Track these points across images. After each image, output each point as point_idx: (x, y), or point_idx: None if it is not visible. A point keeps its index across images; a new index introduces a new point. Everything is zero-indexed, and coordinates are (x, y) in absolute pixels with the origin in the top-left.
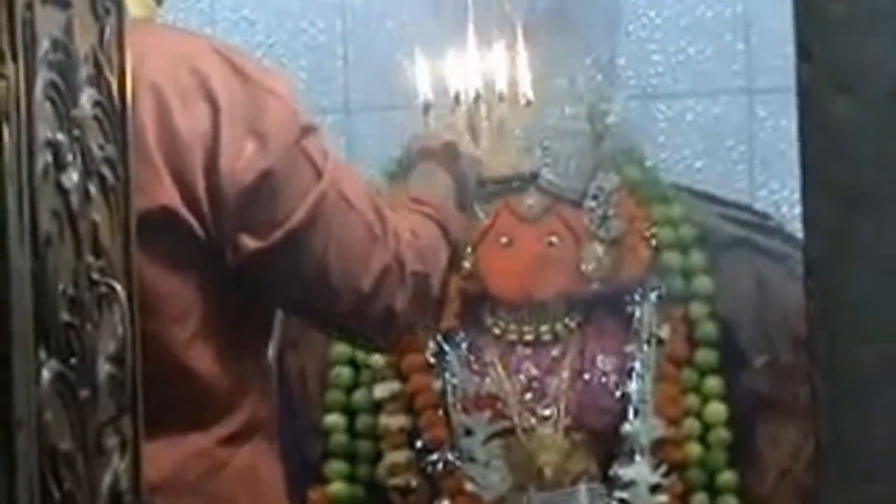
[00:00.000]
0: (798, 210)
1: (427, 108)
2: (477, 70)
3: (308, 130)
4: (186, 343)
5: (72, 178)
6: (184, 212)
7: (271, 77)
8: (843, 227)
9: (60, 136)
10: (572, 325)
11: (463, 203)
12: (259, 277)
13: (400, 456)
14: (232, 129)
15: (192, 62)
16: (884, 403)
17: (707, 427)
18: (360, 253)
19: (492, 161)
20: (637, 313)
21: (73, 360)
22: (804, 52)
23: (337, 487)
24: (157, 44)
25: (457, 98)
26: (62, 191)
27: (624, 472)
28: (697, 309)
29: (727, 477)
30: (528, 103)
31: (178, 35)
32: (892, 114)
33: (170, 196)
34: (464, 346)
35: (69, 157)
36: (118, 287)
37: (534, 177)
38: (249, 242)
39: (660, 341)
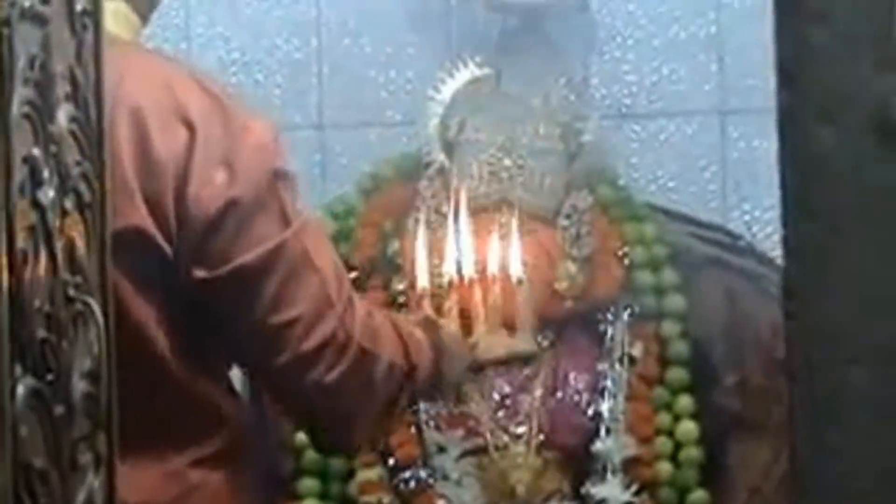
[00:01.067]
0: (770, 230)
1: (422, 295)
2: (469, 253)
3: (283, 176)
4: (162, 364)
5: (48, 194)
6: (154, 233)
7: (253, 117)
8: (824, 251)
9: (37, 153)
10: (545, 343)
11: (438, 369)
12: (208, 309)
13: (372, 473)
14: (205, 156)
15: (173, 89)
16: (864, 426)
17: (678, 446)
18: (311, 312)
19: (489, 343)
20: (609, 332)
21: (48, 377)
22: (785, 77)
23: None
24: (139, 67)
25: (450, 283)
26: (38, 207)
27: (596, 490)
28: (669, 328)
29: (698, 495)
30: (520, 282)
31: (161, 61)
32: (873, 140)
33: (142, 217)
34: None
35: (46, 174)
36: (94, 304)
37: (530, 357)
38: (199, 271)
39: (632, 360)
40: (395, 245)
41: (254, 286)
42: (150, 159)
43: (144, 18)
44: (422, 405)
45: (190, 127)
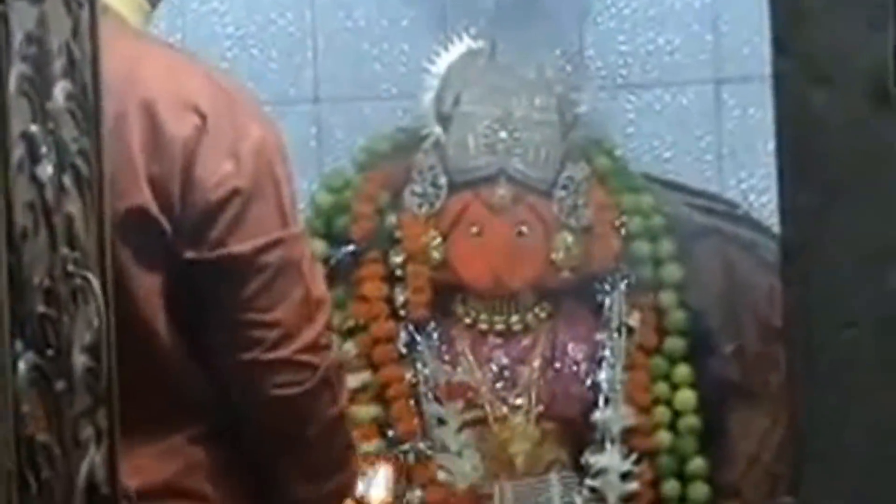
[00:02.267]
0: (765, 198)
1: None
2: None
3: (287, 178)
4: (162, 340)
5: (46, 170)
6: (157, 213)
7: (262, 115)
8: (820, 215)
9: (35, 129)
10: (543, 314)
11: None
12: (194, 291)
13: (372, 446)
14: (213, 144)
15: (185, 80)
16: (862, 389)
17: (677, 414)
18: (292, 321)
19: None
20: (607, 302)
21: (49, 352)
22: (779, 43)
23: None
24: (153, 56)
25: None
26: (37, 183)
27: (595, 459)
28: (667, 297)
29: (697, 464)
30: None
31: (175, 53)
32: (868, 104)
33: (145, 198)
34: (435, 335)
35: (44, 150)
36: (93, 279)
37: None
38: (189, 252)
39: (630, 330)
40: (392, 218)
41: (240, 277)
42: (159, 142)
43: (154, 3)
44: (421, 376)
45: (200, 115)
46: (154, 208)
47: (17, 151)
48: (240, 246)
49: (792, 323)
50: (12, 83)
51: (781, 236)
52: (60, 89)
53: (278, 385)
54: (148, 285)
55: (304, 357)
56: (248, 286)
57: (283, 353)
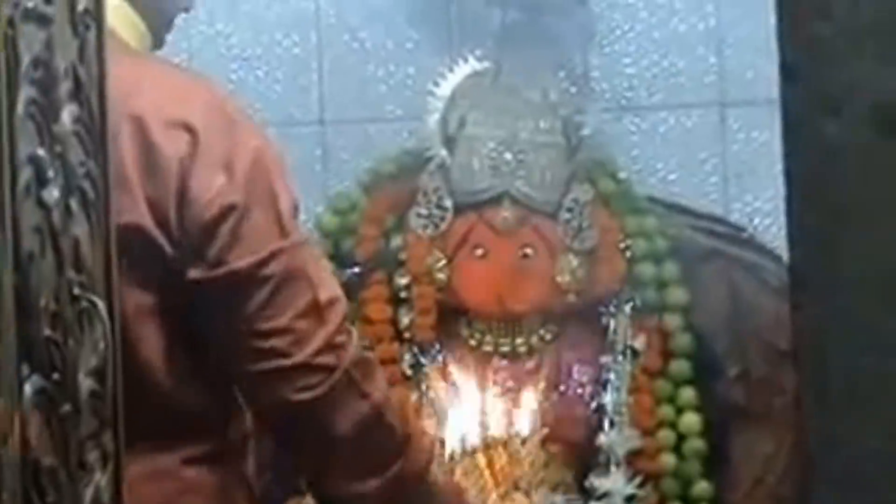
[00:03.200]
0: (770, 221)
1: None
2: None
3: (285, 189)
4: (153, 361)
5: (53, 193)
6: (156, 232)
7: (259, 131)
8: (830, 242)
9: (41, 152)
10: (547, 336)
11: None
12: (197, 311)
13: None
14: (206, 160)
15: (178, 97)
16: (873, 416)
17: (682, 438)
18: (301, 327)
19: None
20: (612, 325)
21: (54, 376)
22: (788, 72)
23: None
24: (150, 77)
25: (451, 456)
26: (44, 206)
27: (599, 483)
28: (671, 320)
29: (702, 487)
30: (524, 441)
31: (171, 70)
32: (876, 132)
33: (142, 215)
34: (439, 358)
35: (50, 173)
36: (99, 302)
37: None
38: (194, 272)
39: (634, 353)
40: (397, 240)
41: (244, 291)
42: (153, 160)
43: (153, 24)
44: (425, 399)
45: (192, 132)
46: (152, 227)
47: (24, 175)
48: (240, 262)
49: (802, 348)
50: (20, 106)
51: (790, 262)
52: (67, 112)
53: (298, 390)
54: (139, 303)
55: (320, 359)
56: (253, 299)
57: (297, 358)
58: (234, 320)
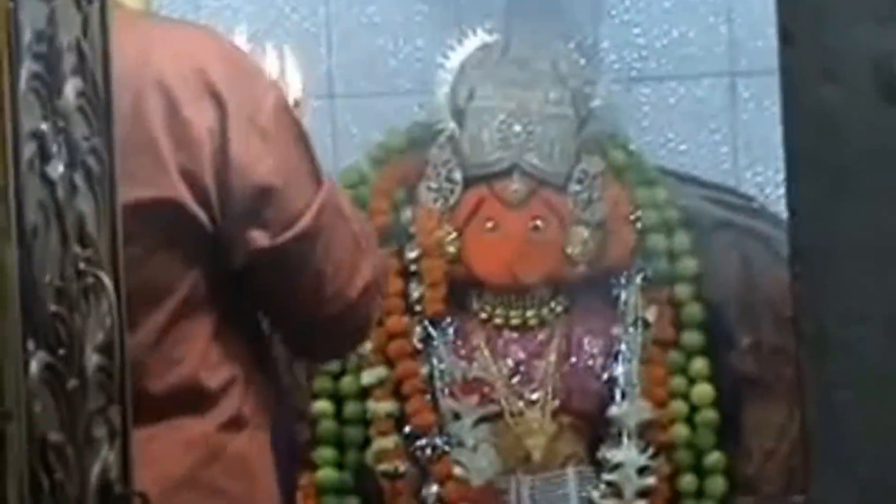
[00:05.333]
0: (782, 191)
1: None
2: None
3: (305, 132)
4: (177, 330)
5: (57, 168)
6: (191, 204)
7: (270, 77)
8: (829, 210)
9: (45, 127)
10: (558, 308)
11: None
12: (260, 276)
13: (388, 441)
14: (238, 125)
15: (194, 58)
16: (872, 385)
17: (694, 408)
18: (351, 262)
19: None
20: (623, 296)
21: (61, 351)
22: (787, 36)
23: (325, 473)
24: (159, 39)
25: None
26: (48, 182)
27: (612, 454)
28: (683, 291)
29: (715, 458)
30: (297, 104)
31: (178, 29)
32: (876, 97)
33: (176, 188)
34: (450, 331)
35: (54, 148)
36: (105, 277)
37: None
38: (261, 239)
39: (646, 324)
40: (407, 213)
41: (310, 247)
42: (184, 133)
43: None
44: (436, 372)
45: (218, 98)
46: (189, 200)
47: (28, 150)
48: (303, 220)
49: (802, 318)
50: (22, 81)
51: (790, 231)
52: (71, 87)
53: (370, 312)
54: (170, 275)
55: (375, 281)
56: (315, 253)
57: (353, 294)
58: (303, 278)
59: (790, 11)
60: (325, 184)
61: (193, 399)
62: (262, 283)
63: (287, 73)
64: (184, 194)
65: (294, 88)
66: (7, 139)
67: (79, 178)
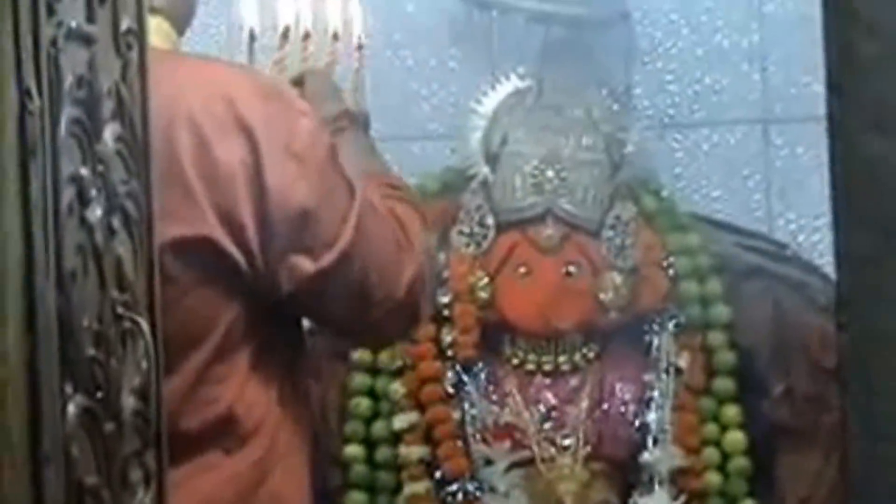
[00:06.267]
0: (815, 238)
1: (252, 38)
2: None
3: (335, 147)
4: (215, 370)
5: (95, 212)
6: (227, 243)
7: (297, 96)
8: (876, 261)
9: (84, 172)
10: (591, 354)
11: None
12: (307, 299)
13: (420, 487)
14: (271, 154)
15: (223, 92)
16: None
17: (726, 456)
18: (393, 263)
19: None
20: (655, 342)
21: (98, 395)
22: (835, 88)
23: None
24: (187, 76)
25: (285, 33)
26: (86, 226)
27: (643, 501)
28: (715, 338)
29: None
30: (360, 46)
31: (206, 64)
32: None
33: (211, 227)
34: (482, 376)
35: (93, 192)
36: (142, 321)
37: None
38: (307, 265)
39: (678, 370)
40: (440, 258)
41: (353, 260)
42: (215, 169)
43: (181, 32)
44: (468, 417)
45: (248, 132)
46: (222, 237)
47: (67, 194)
48: (343, 238)
49: (846, 369)
50: (63, 126)
51: (837, 281)
52: (110, 132)
53: (419, 304)
54: (205, 314)
55: (419, 273)
56: (359, 263)
57: (402, 288)
58: (352, 290)
59: (838, 63)
60: (357, 192)
61: (228, 435)
62: (310, 306)
63: (352, 18)
64: (218, 232)
65: (357, 32)
66: (47, 183)
67: (116, 222)
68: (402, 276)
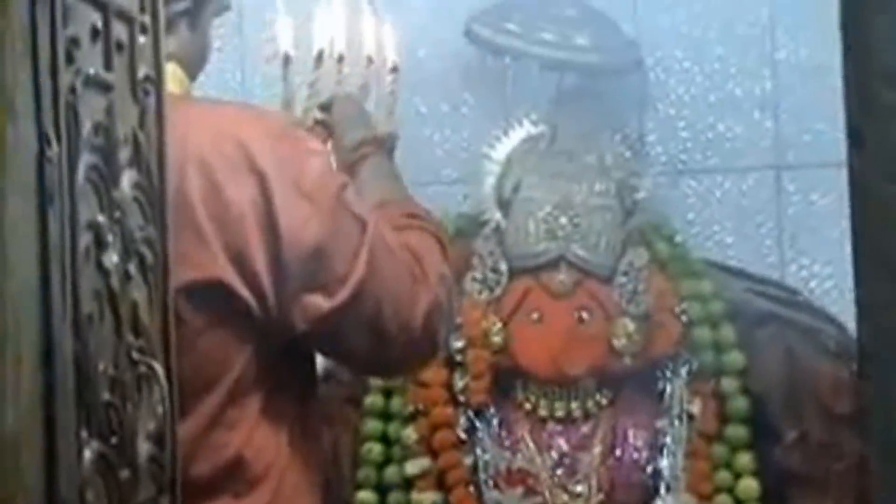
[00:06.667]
0: (828, 285)
1: (287, 62)
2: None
3: (345, 184)
4: (227, 415)
5: (112, 258)
6: (238, 286)
7: (307, 136)
8: None
9: (101, 218)
10: (603, 401)
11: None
12: (323, 337)
13: None
14: (283, 194)
15: (233, 133)
16: None
17: (739, 503)
18: (408, 295)
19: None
20: (668, 389)
21: (113, 440)
22: (854, 137)
23: None
24: (198, 119)
25: (320, 57)
26: (103, 271)
27: None
28: (728, 384)
29: None
30: (394, 69)
31: (216, 107)
32: None
33: (223, 270)
34: (495, 421)
35: (110, 238)
36: (157, 366)
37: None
38: (321, 303)
39: (691, 417)
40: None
41: (367, 295)
42: (226, 211)
43: (193, 77)
44: (480, 462)
45: (259, 173)
46: (234, 280)
47: (84, 240)
48: (356, 274)
49: (870, 419)
50: (80, 173)
51: (858, 332)
52: (127, 178)
53: (437, 335)
54: (217, 357)
55: (435, 304)
56: (373, 299)
57: (419, 321)
58: (366, 326)
59: (858, 113)
60: (368, 227)
61: (237, 480)
62: (326, 342)
63: (386, 41)
64: (229, 274)
65: (391, 54)
66: (65, 229)
67: (133, 268)
68: (418, 307)
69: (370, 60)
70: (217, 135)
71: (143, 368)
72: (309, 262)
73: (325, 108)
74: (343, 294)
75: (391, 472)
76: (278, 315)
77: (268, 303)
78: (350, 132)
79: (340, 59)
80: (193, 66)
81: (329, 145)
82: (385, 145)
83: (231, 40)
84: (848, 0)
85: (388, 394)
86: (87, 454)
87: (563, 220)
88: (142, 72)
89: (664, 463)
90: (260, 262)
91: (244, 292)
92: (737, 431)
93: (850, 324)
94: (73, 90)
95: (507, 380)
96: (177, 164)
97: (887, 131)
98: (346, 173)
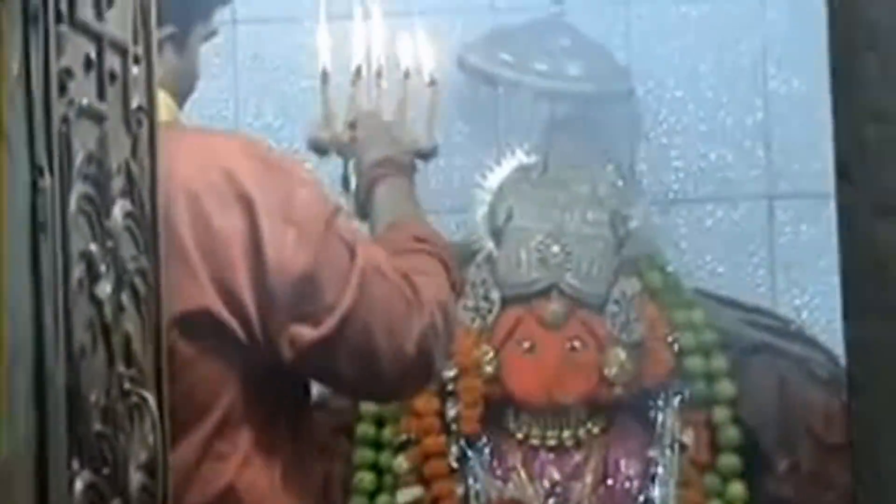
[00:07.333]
0: (819, 315)
1: (325, 77)
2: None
3: (336, 212)
4: (218, 445)
5: (105, 289)
6: (225, 315)
7: (297, 165)
8: (886, 346)
9: (94, 248)
10: (595, 430)
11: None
12: (313, 365)
13: None
14: (270, 222)
15: (220, 162)
16: None
17: None
18: (401, 321)
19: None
20: (660, 418)
21: (105, 470)
22: (843, 172)
23: None
24: (186, 148)
25: (358, 71)
26: (96, 302)
27: None
28: (720, 414)
29: None
30: (432, 83)
31: (204, 136)
32: None
33: (211, 299)
34: (486, 450)
35: (102, 269)
36: (149, 397)
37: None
38: (307, 332)
39: (683, 446)
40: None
41: (356, 323)
42: (213, 240)
43: (181, 105)
44: (472, 492)
45: (247, 199)
46: (221, 308)
47: (77, 270)
48: (344, 302)
49: (860, 454)
50: (72, 203)
51: (848, 368)
52: (119, 208)
53: (432, 359)
54: (208, 388)
55: (429, 329)
56: (363, 326)
57: (412, 347)
58: (357, 354)
59: (845, 148)
60: (358, 255)
61: None
62: (316, 370)
63: (423, 56)
64: (217, 304)
65: (427, 68)
66: (57, 259)
67: (126, 298)
68: (411, 333)
69: (407, 75)
70: (204, 163)
71: (135, 398)
72: (296, 291)
73: (351, 125)
74: (330, 323)
75: (383, 501)
76: (266, 344)
77: (254, 331)
78: (370, 151)
79: (379, 74)
80: (181, 92)
81: (351, 165)
82: (405, 165)
83: (225, 69)
84: (837, 36)
85: (379, 423)
86: (79, 484)
87: (556, 248)
88: (135, 102)
89: (656, 492)
90: (246, 290)
91: (231, 321)
92: (729, 461)
93: (843, 354)
94: (66, 120)
95: (498, 409)
96: (165, 194)
97: (875, 167)
98: (364, 192)
